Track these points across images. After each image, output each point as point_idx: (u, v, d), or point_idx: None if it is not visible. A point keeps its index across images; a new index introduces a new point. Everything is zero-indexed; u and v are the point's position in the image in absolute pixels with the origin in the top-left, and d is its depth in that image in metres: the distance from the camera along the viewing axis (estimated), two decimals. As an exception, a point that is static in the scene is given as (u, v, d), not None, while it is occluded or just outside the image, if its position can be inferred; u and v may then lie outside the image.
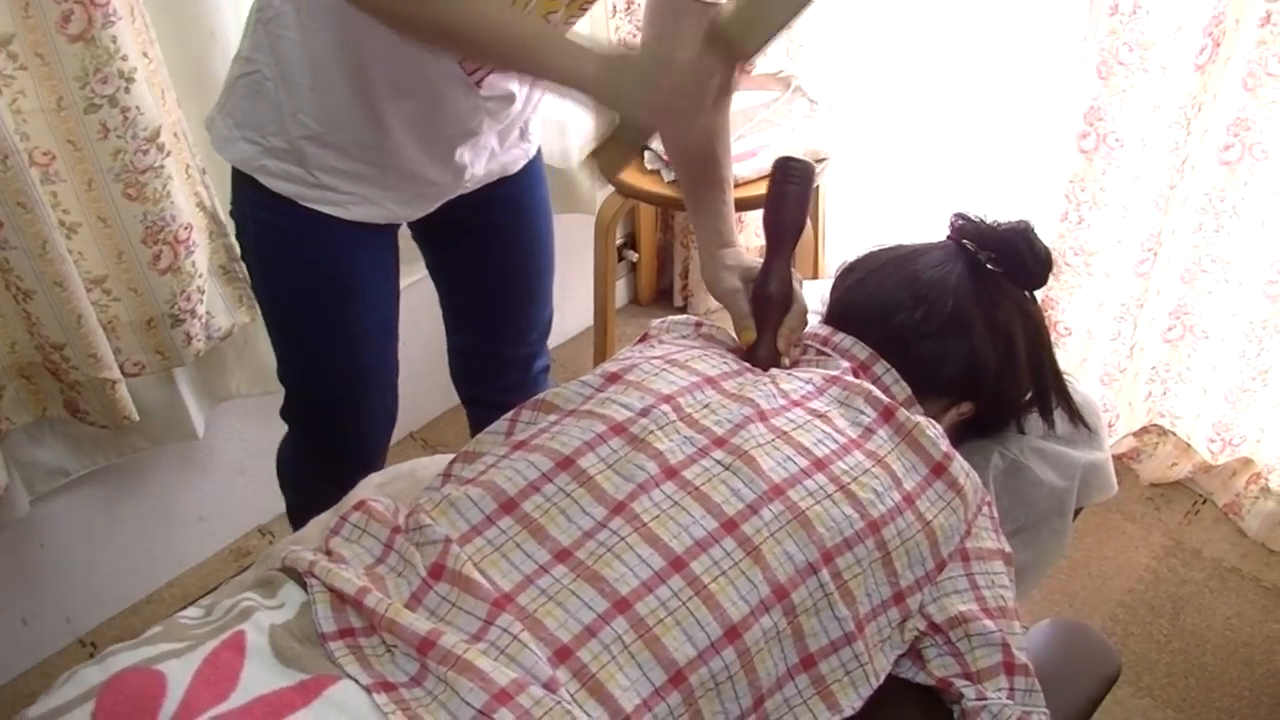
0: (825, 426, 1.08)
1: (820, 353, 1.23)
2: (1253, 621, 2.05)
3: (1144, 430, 2.32)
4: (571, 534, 0.97)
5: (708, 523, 0.97)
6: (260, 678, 0.86)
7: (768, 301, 1.25)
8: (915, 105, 2.49)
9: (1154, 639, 2.02)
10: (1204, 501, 2.30)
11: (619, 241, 2.80)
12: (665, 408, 1.06)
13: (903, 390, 1.20)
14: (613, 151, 1.15)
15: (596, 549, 0.95)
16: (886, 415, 1.12)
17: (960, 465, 1.11)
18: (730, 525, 0.97)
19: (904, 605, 1.04)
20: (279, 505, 1.84)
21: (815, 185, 1.18)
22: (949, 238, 1.31)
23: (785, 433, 1.06)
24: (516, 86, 1.39)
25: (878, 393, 1.14)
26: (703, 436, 1.04)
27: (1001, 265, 1.28)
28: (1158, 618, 2.06)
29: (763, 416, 1.07)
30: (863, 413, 1.11)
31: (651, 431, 1.04)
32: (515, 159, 1.55)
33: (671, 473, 1.01)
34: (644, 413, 1.05)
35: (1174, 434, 2.28)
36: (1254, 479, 2.20)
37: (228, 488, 2.22)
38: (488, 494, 1.00)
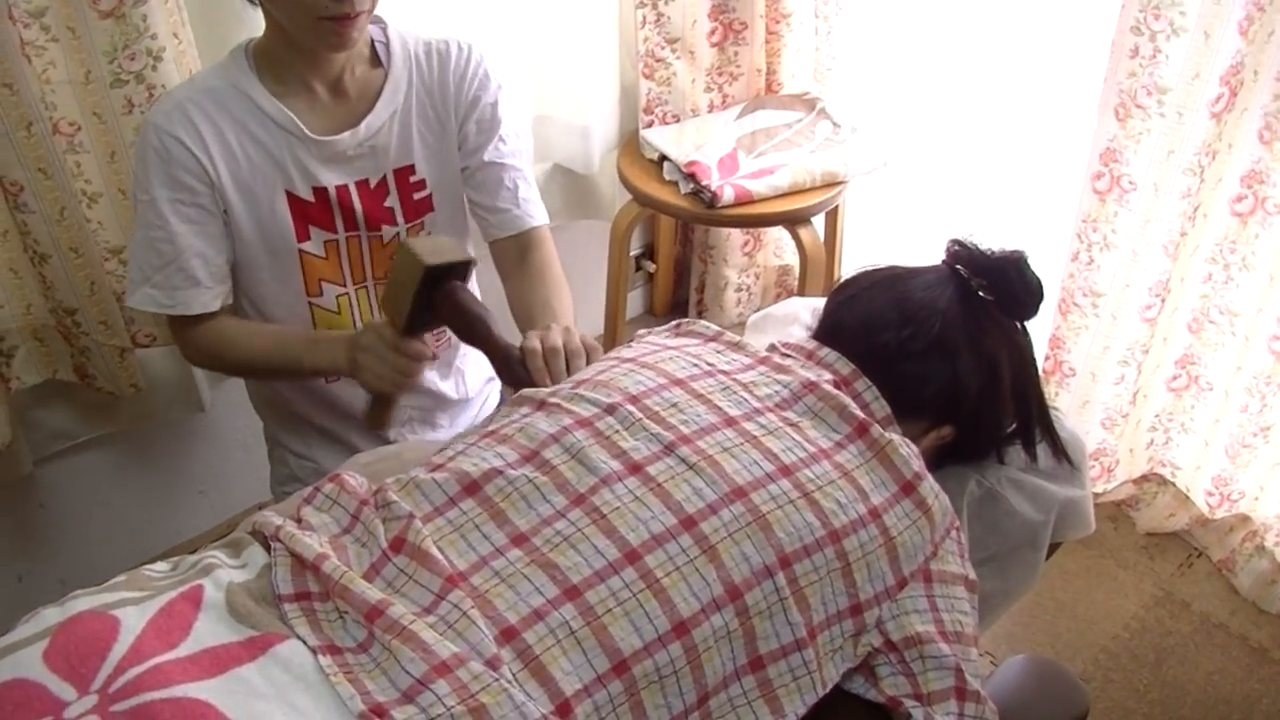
0: (795, 435, 1.09)
1: (804, 367, 1.24)
2: (1234, 679, 2.03)
3: (1144, 478, 2.32)
4: (530, 520, 0.98)
5: (666, 518, 0.98)
6: (211, 631, 0.88)
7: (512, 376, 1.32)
8: (937, 134, 2.50)
9: (1134, 687, 2.01)
10: (1199, 555, 2.29)
11: (638, 252, 2.82)
12: (631, 407, 1.08)
13: (882, 409, 1.21)
14: (377, 407, 1.42)
15: (553, 536, 0.97)
16: (860, 431, 1.13)
17: (930, 486, 1.12)
18: (689, 522, 0.98)
19: (860, 618, 1.05)
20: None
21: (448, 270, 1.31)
22: (943, 262, 1.32)
23: (754, 437, 1.07)
24: None
25: (854, 408, 1.14)
26: (669, 434, 1.05)
27: (993, 293, 1.29)
28: (1140, 666, 2.05)
29: (731, 422, 1.08)
30: (834, 428, 1.12)
31: (617, 430, 1.05)
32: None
33: (635, 469, 1.02)
34: (610, 410, 1.07)
35: (1173, 484, 2.27)
36: (1250, 536, 2.19)
37: (230, 463, 2.25)
38: (452, 477, 1.02)
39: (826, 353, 1.24)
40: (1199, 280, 2.02)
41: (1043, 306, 1.30)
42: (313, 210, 1.46)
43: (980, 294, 1.29)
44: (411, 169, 1.51)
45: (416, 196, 1.53)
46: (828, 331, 1.30)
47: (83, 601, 0.90)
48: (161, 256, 1.42)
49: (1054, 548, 1.37)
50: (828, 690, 1.02)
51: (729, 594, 0.96)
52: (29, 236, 1.66)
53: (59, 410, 1.96)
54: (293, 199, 1.45)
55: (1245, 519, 2.19)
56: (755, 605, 0.98)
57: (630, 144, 2.43)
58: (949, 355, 1.23)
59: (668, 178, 2.29)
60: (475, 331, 1.32)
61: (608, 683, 0.90)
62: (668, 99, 2.42)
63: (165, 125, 1.39)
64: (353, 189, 1.48)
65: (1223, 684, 2.02)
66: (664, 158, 2.32)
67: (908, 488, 1.10)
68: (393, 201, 1.51)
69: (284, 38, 1.38)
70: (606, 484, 1.00)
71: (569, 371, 1.27)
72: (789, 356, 1.23)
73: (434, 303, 1.29)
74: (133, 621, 0.87)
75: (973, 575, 1.14)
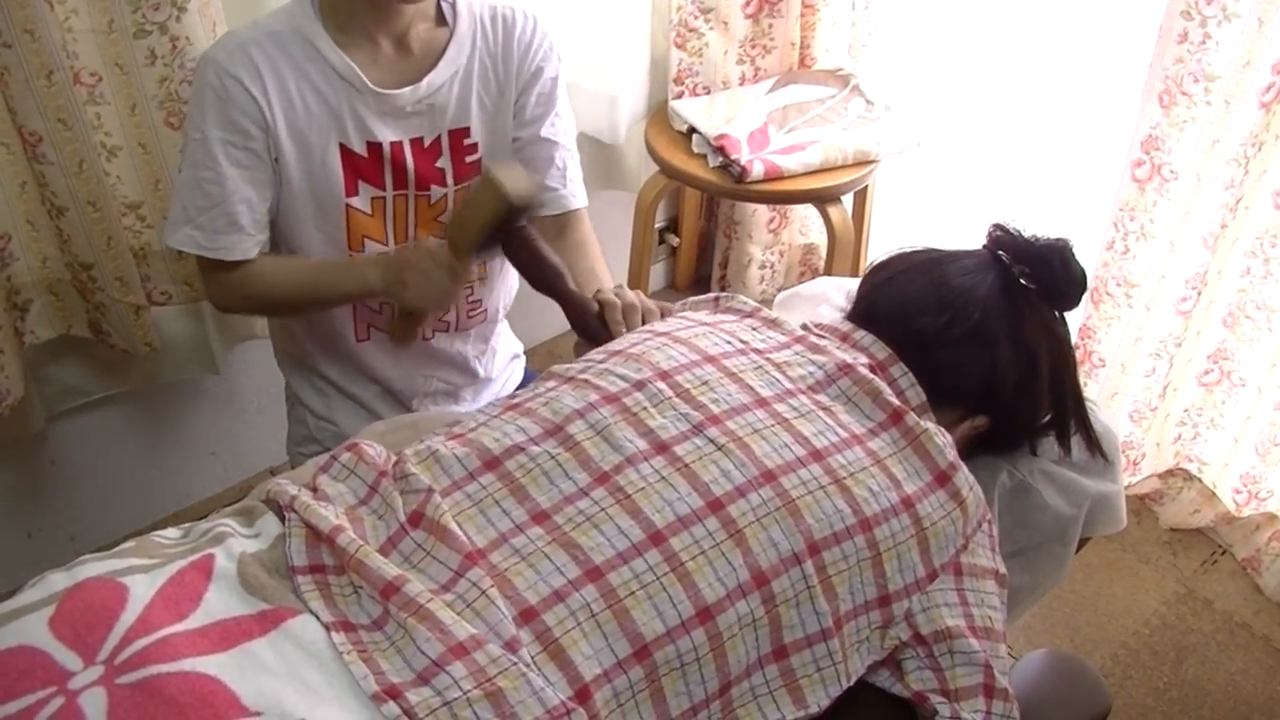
0: (828, 419, 1.06)
1: (839, 349, 1.21)
2: (1257, 680, 2.00)
3: (1169, 473, 2.28)
4: (552, 497, 0.95)
5: (693, 500, 0.95)
6: (222, 602, 0.85)
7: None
8: (972, 114, 2.46)
9: (1153, 685, 1.98)
10: (1223, 553, 2.25)
11: (662, 225, 2.78)
12: (661, 384, 1.04)
13: (917, 395, 1.17)
14: (407, 323, 1.46)
15: (575, 515, 0.94)
16: (895, 418, 1.09)
17: (965, 477, 1.09)
18: (716, 505, 0.95)
19: (889, 609, 1.02)
20: (292, 447, 1.84)
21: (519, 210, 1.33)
22: (984, 247, 1.28)
23: (785, 419, 1.04)
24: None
25: (889, 394, 1.11)
26: (698, 414, 1.02)
27: (1035, 282, 1.25)
28: (1160, 664, 2.02)
29: (762, 403, 1.05)
30: (868, 414, 1.09)
31: (644, 407, 1.02)
32: None
33: (662, 448, 0.99)
34: (639, 385, 1.04)
35: (1199, 480, 2.23)
36: (1277, 535, 2.15)
37: (243, 425, 2.23)
38: (472, 451, 0.99)
39: (862, 335, 1.21)
40: (1237, 274, 1.97)
41: (1080, 296, 1.27)
42: (364, 165, 1.44)
43: (1021, 281, 1.25)
44: (466, 131, 1.48)
45: (468, 159, 1.50)
46: (862, 314, 1.26)
47: (90, 567, 0.87)
48: (208, 198, 1.38)
49: (1082, 543, 1.34)
50: (852, 683, 0.99)
51: (755, 580, 0.93)
52: (47, 189, 1.63)
53: (72, 367, 1.93)
54: (345, 152, 1.42)
55: (1273, 518, 2.15)
56: (782, 593, 0.95)
57: (659, 115, 2.39)
58: (988, 344, 1.20)
59: (696, 150, 2.25)
60: (549, 280, 1.34)
61: (628, 668, 0.87)
62: (699, 70, 2.38)
63: (226, 64, 1.34)
64: (406, 146, 1.45)
65: (1245, 685, 1.99)
66: (693, 130, 2.27)
67: (942, 478, 1.07)
68: (444, 162, 1.48)
69: None
70: (632, 463, 0.97)
71: None
72: (823, 338, 1.19)
73: (504, 236, 1.31)
74: (141, 590, 0.85)
75: (1003, 569, 1.11)
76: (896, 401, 1.10)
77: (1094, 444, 1.31)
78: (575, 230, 1.58)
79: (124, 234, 1.72)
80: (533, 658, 0.85)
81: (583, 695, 0.85)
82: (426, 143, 1.46)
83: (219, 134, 1.36)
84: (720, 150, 2.19)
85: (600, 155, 2.43)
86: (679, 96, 2.39)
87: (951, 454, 1.09)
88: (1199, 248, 1.91)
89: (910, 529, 1.02)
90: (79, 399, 1.97)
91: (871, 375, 1.12)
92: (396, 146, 1.44)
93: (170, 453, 2.17)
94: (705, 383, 1.06)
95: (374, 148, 1.43)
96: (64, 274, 1.76)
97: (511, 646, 0.84)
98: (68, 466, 2.04)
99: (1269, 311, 1.97)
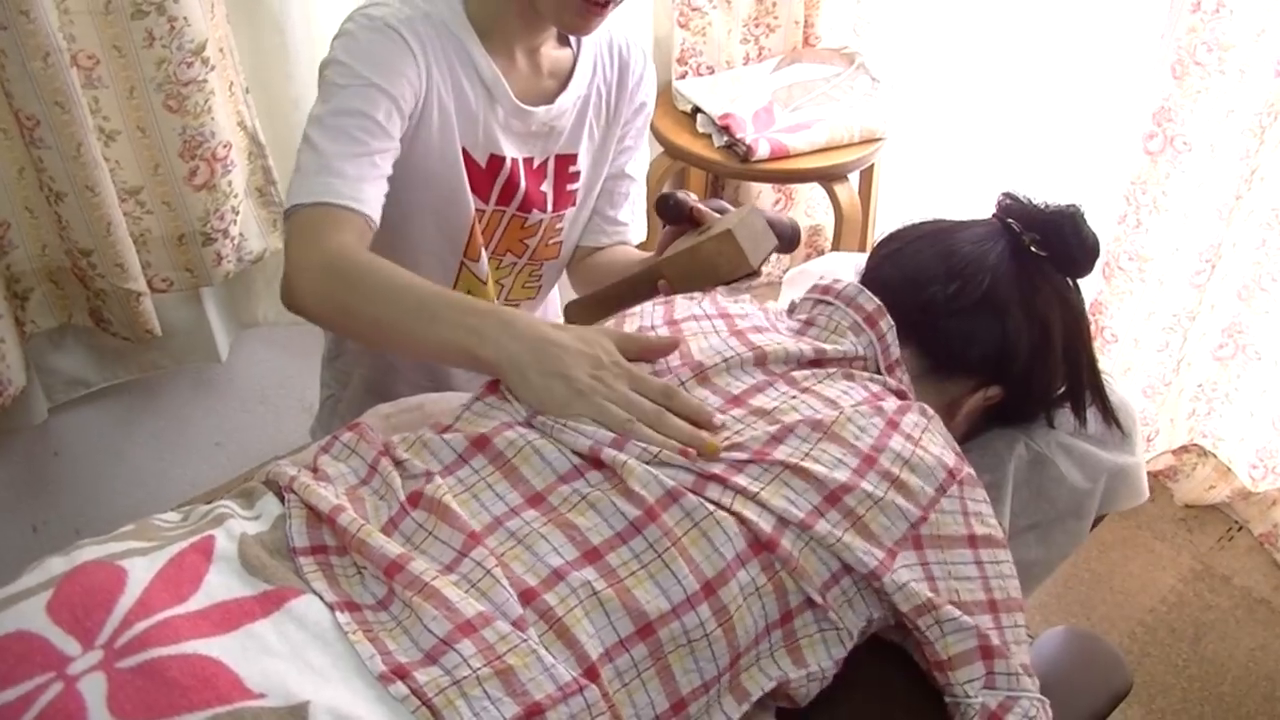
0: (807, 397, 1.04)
1: (819, 302, 1.18)
2: (1277, 656, 1.97)
3: (1183, 449, 2.25)
4: (545, 477, 0.93)
5: (682, 476, 0.93)
6: (223, 584, 0.83)
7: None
8: (979, 91, 2.42)
9: (1171, 663, 1.96)
10: (1239, 529, 2.23)
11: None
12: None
13: (899, 350, 1.14)
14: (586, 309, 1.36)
15: (570, 495, 0.92)
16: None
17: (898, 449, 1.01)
18: (706, 478, 0.93)
19: (856, 574, 0.96)
20: (297, 437, 1.82)
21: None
22: (993, 216, 1.26)
23: (760, 408, 1.01)
24: None
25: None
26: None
27: (1046, 249, 1.22)
28: (1178, 641, 1.99)
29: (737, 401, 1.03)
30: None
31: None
32: None
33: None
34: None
35: (1214, 456, 2.21)
36: (1294, 510, 2.13)
37: (247, 415, 2.21)
38: (461, 435, 0.97)
39: (846, 285, 1.16)
40: (1252, 246, 1.94)
41: (1091, 265, 1.24)
42: (478, 176, 1.35)
43: (1032, 249, 1.23)
44: (573, 159, 1.42)
45: (569, 187, 1.44)
46: (868, 285, 1.24)
47: (89, 551, 0.85)
48: (355, 142, 1.18)
49: (1100, 519, 1.32)
50: (855, 641, 0.96)
51: (752, 548, 0.91)
52: (45, 174, 1.61)
53: (74, 356, 1.92)
54: (467, 159, 1.33)
55: (1289, 493, 2.13)
56: (788, 559, 0.92)
57: (663, 95, 2.37)
58: (999, 313, 1.17)
59: (701, 130, 2.23)
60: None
61: (630, 647, 0.85)
62: (702, 50, 2.35)
63: (400, 28, 1.22)
64: (521, 164, 1.38)
65: (1265, 660, 1.96)
66: (697, 110, 2.25)
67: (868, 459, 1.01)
68: (548, 186, 1.41)
69: None
70: (615, 448, 0.95)
71: None
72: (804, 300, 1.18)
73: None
74: (140, 573, 0.82)
75: (981, 530, 1.02)
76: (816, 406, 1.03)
77: (1110, 414, 1.28)
78: (624, 249, 1.54)
79: (122, 219, 1.70)
80: (540, 637, 0.83)
81: (591, 673, 0.83)
82: (536, 164, 1.40)
83: (386, 85, 1.20)
84: (725, 130, 2.17)
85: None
86: (682, 77, 2.37)
87: (874, 434, 1.00)
88: (1213, 219, 1.89)
89: (843, 522, 0.95)
90: (81, 389, 1.95)
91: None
92: (515, 163, 1.36)
93: (175, 444, 2.15)
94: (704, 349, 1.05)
95: (495, 161, 1.35)
96: (64, 261, 1.75)
97: (519, 625, 0.82)
98: (72, 458, 2.03)
99: (1284, 283, 1.94)
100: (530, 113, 1.33)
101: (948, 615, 0.95)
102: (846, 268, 1.40)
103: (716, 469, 0.94)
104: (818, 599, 0.93)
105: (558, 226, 1.45)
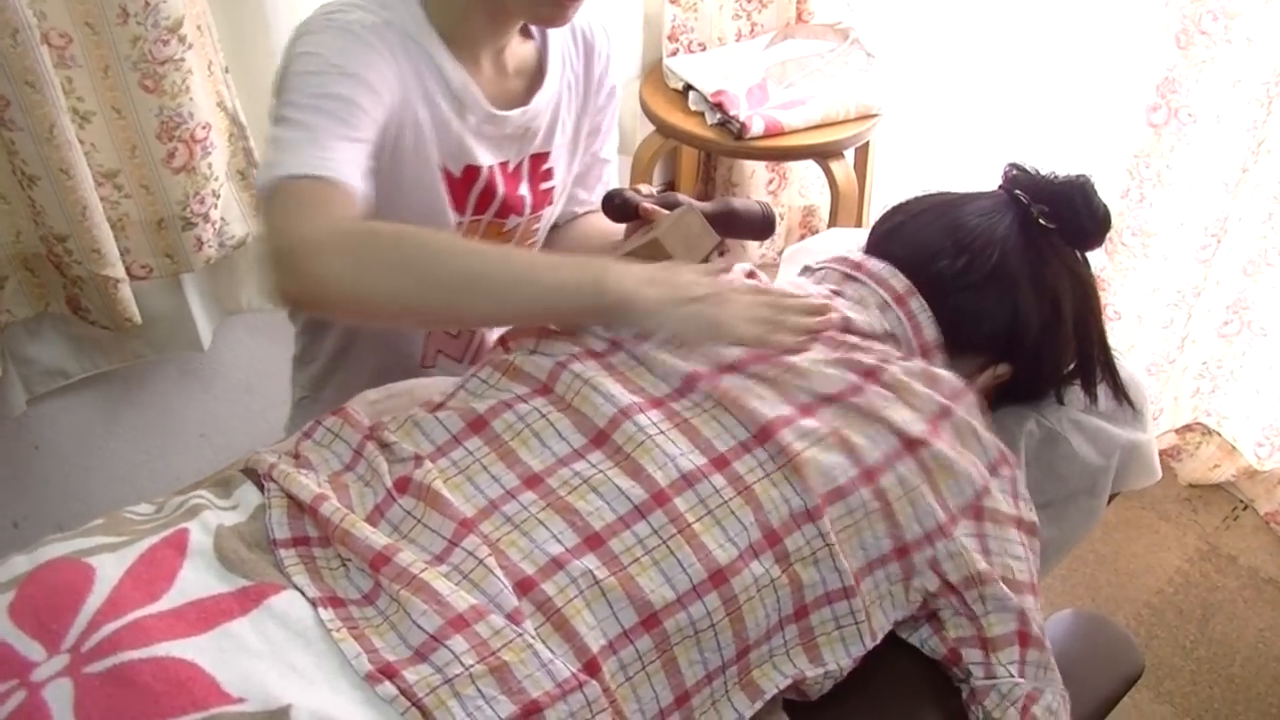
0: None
1: (848, 276, 1.14)
2: (1287, 636, 1.95)
3: (1187, 428, 2.21)
4: (544, 459, 0.89)
5: (695, 457, 0.88)
6: (198, 580, 0.78)
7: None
8: (975, 65, 2.38)
9: (1179, 644, 1.92)
10: (1245, 508, 2.19)
11: (659, 187, 2.70)
12: (642, 346, 0.98)
13: (934, 332, 1.11)
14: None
15: (571, 478, 0.87)
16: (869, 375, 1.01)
17: (961, 422, 1.01)
18: (721, 462, 0.88)
19: (908, 561, 0.94)
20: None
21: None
22: (1001, 187, 1.22)
23: (769, 378, 0.97)
24: None
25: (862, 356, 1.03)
26: (686, 365, 0.96)
27: (1055, 221, 1.19)
28: (1185, 622, 1.96)
29: (744, 362, 0.98)
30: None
31: (631, 366, 0.97)
32: None
33: (657, 403, 0.92)
34: (615, 346, 0.98)
35: (1219, 434, 2.17)
36: (1301, 489, 2.09)
37: (232, 405, 2.16)
38: (455, 413, 0.93)
39: (876, 264, 1.15)
40: (1258, 220, 1.90)
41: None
42: (454, 187, 1.27)
43: (1041, 221, 1.19)
44: (545, 157, 1.34)
45: (543, 186, 1.36)
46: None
47: (54, 548, 0.80)
48: (342, 123, 1.06)
49: (1113, 497, 1.28)
50: (877, 640, 0.93)
51: (768, 539, 0.87)
52: (17, 157, 1.55)
53: (52, 346, 1.86)
54: (445, 174, 1.26)
55: (1296, 471, 2.09)
56: (797, 551, 0.88)
57: (653, 73, 2.32)
58: (1008, 287, 1.14)
59: (693, 108, 2.18)
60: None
61: (635, 638, 0.81)
62: (694, 26, 2.30)
63: (369, 35, 1.11)
64: (497, 170, 1.29)
65: (1275, 641, 1.93)
66: (689, 87, 2.20)
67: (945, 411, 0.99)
68: (525, 189, 1.34)
69: None
70: (628, 415, 0.90)
71: None
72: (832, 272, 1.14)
73: None
74: (109, 570, 0.78)
75: (1029, 517, 1.04)
76: (872, 362, 1.01)
77: (1120, 390, 1.24)
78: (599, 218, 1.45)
79: (98, 203, 1.64)
80: (536, 630, 0.78)
81: (592, 668, 0.79)
82: (511, 167, 1.32)
83: (360, 71, 1.08)
84: (718, 107, 2.12)
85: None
86: (673, 54, 2.32)
87: (940, 400, 1.00)
88: (1219, 193, 1.84)
89: (919, 473, 0.95)
90: (61, 380, 1.90)
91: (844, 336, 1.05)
92: (491, 170, 1.28)
93: (158, 435, 2.10)
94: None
95: (471, 170, 1.26)
96: (39, 248, 1.69)
97: (514, 618, 0.77)
98: (53, 451, 1.98)
99: (1291, 257, 1.90)
100: (504, 117, 1.26)
101: (995, 593, 0.94)
102: (847, 244, 1.36)
103: (802, 400, 0.95)
104: (850, 582, 0.89)
105: (534, 228, 1.40)
